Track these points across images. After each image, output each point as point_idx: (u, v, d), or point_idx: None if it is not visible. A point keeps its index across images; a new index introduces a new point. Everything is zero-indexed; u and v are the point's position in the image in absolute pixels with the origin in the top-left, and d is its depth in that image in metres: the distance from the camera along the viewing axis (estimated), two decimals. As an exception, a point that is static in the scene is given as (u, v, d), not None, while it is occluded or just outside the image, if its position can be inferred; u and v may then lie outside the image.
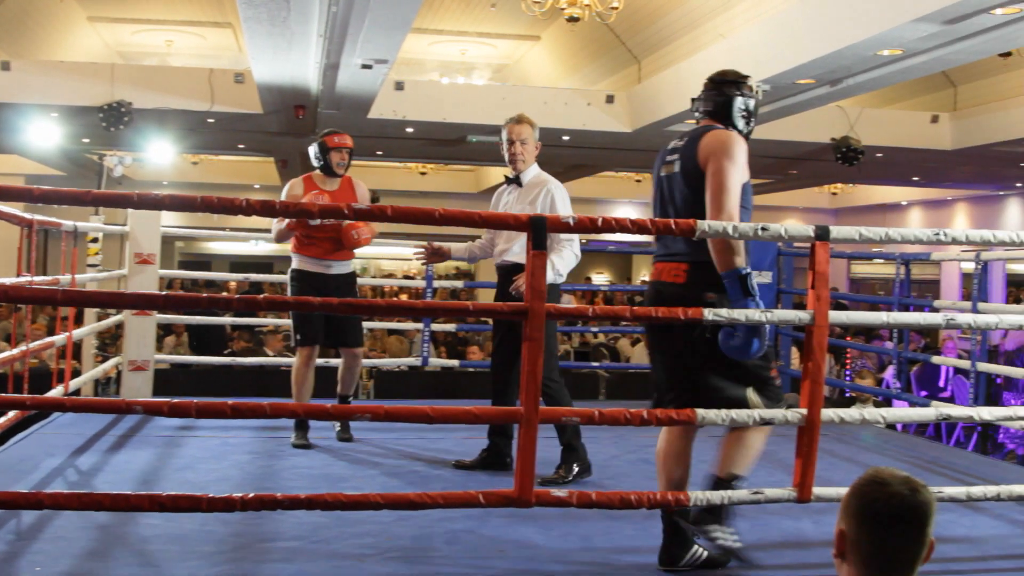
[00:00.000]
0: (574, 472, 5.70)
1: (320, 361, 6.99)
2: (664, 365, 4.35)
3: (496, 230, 5.99)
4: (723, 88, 4.33)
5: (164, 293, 4.30)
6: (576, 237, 5.70)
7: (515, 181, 5.92)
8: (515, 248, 5.81)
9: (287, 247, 6.62)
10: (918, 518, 2.18)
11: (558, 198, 5.76)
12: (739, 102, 4.32)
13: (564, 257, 5.62)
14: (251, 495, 3.76)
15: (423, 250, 6.12)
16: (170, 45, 17.19)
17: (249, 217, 3.92)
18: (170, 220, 21.31)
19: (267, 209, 3.89)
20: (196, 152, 21.08)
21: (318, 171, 6.66)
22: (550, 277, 5.48)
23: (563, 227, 4.03)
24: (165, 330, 12.26)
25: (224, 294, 16.28)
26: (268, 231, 6.70)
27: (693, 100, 4.43)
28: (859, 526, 2.21)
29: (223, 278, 13.88)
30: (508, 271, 5.85)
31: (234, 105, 13.83)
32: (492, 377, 6.05)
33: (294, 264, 6.66)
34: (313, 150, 6.59)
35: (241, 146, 18.40)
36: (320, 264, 6.57)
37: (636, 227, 4.06)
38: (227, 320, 10.15)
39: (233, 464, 5.95)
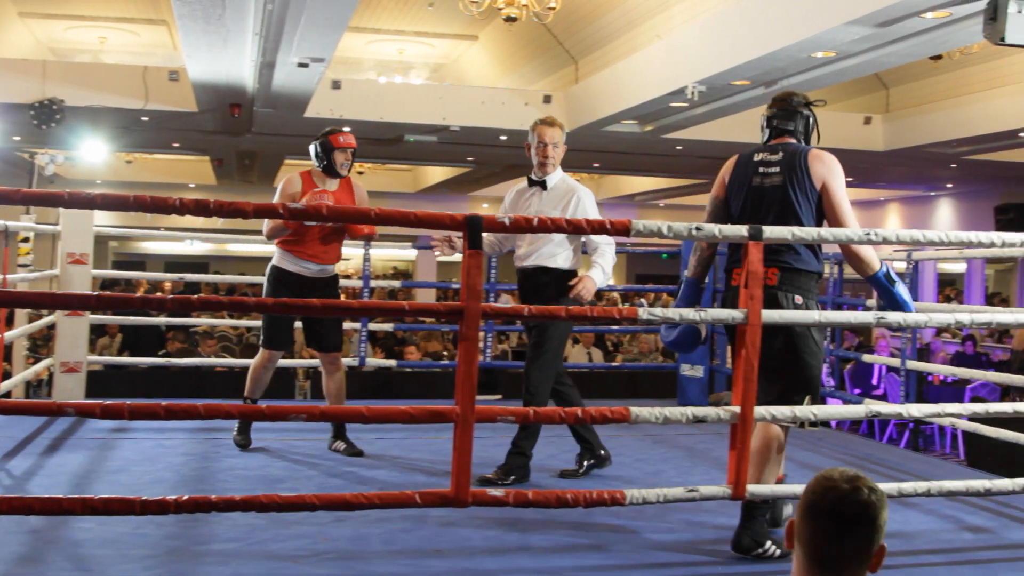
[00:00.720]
0: (509, 479, 5.65)
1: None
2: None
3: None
4: (801, 109, 4.80)
5: (96, 293, 4.25)
6: (613, 239, 5.67)
7: (539, 184, 5.82)
8: (544, 250, 5.69)
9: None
10: (853, 514, 2.20)
11: (589, 205, 5.72)
12: (811, 123, 4.84)
13: (607, 260, 5.67)
14: (185, 497, 3.73)
15: (441, 243, 5.79)
16: (103, 42, 16.96)
17: (183, 216, 3.89)
18: (103, 219, 21.06)
19: (201, 208, 3.86)
20: (130, 151, 20.80)
21: (318, 169, 6.38)
22: (600, 281, 5.59)
23: (499, 227, 4.04)
24: (98, 331, 12.11)
25: (159, 294, 16.13)
26: (204, 231, 6.61)
27: (770, 118, 4.82)
28: (803, 520, 2.25)
29: (158, 278, 13.71)
30: (531, 274, 5.77)
31: (168, 103, 13.69)
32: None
33: (276, 261, 6.34)
34: (314, 148, 6.35)
35: (176, 145, 18.21)
36: (306, 266, 6.27)
37: (571, 227, 4.09)
38: (161, 320, 10.04)
39: (167, 466, 5.89)
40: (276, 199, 6.10)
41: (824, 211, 4.58)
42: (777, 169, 4.63)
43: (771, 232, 4.23)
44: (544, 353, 5.69)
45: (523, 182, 5.98)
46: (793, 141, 4.73)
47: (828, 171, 4.58)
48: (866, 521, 2.21)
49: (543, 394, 5.66)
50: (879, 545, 2.22)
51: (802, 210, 4.55)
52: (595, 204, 5.79)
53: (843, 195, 4.58)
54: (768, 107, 4.87)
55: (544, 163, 5.78)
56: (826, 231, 4.50)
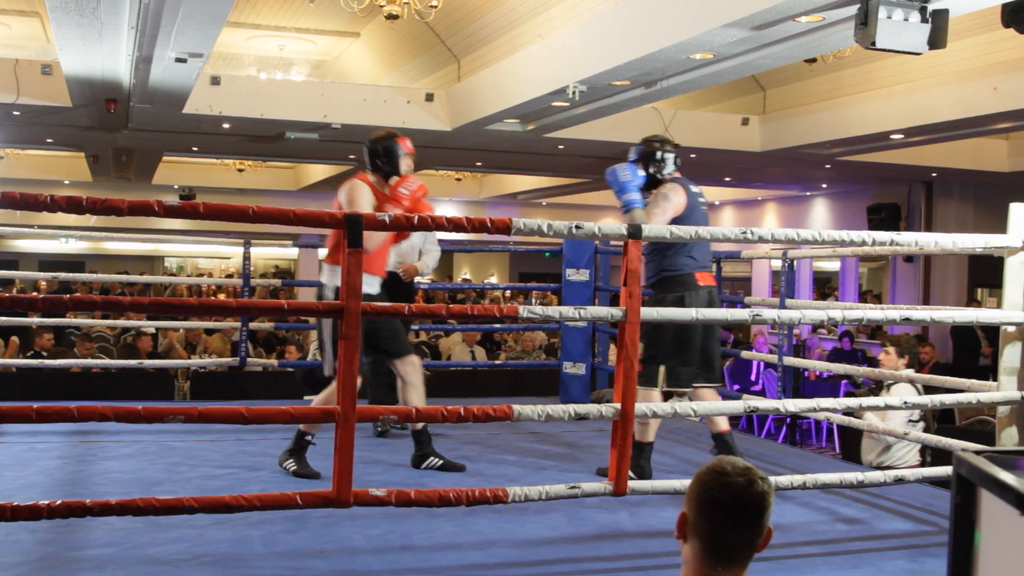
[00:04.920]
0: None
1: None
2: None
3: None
4: None
5: (-36, 293, 4.12)
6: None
7: None
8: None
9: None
10: (752, 507, 2.28)
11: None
12: None
13: None
14: (59, 502, 3.64)
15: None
16: (-28, 34, 16.47)
17: (56, 214, 3.81)
18: (-27, 217, 20.44)
19: (74, 206, 3.77)
20: (1, 146, 20.24)
21: (375, 175, 5.90)
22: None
23: (379, 225, 4.02)
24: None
25: (34, 293, 15.70)
26: (79, 228, 6.41)
27: (675, 157, 5.87)
28: (698, 512, 2.31)
29: (32, 277, 13.36)
30: (397, 275, 6.62)
31: (41, 97, 13.34)
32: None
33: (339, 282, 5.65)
34: (375, 151, 5.87)
35: (49, 140, 17.74)
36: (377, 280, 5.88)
37: (452, 225, 4.09)
38: (35, 320, 9.77)
39: (41, 470, 5.74)
40: (351, 208, 5.54)
41: None
42: (704, 199, 5.89)
43: (650, 231, 4.29)
44: None
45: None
46: None
47: None
48: (761, 511, 2.30)
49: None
50: (767, 528, 2.32)
51: None
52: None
53: None
54: (668, 144, 5.85)
55: None
56: (704, 230, 4.58)
